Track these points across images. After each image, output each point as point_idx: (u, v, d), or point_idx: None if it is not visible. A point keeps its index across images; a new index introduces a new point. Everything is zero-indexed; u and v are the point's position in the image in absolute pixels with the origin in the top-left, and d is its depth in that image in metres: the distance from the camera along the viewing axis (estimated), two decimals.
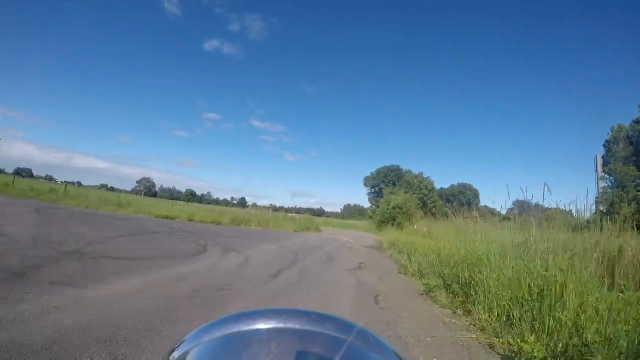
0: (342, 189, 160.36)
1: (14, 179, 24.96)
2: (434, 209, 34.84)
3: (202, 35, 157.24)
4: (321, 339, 0.44)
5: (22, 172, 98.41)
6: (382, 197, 39.86)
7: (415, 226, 19.43)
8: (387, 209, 29.71)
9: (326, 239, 17.82)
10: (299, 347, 0.42)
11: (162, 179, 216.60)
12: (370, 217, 44.99)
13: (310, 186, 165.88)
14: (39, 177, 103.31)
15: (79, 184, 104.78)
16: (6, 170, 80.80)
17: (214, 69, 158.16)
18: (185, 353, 0.44)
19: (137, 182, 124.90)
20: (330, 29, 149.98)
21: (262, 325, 0.44)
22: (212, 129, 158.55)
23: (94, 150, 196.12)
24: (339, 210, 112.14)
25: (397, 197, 31.25)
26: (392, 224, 27.30)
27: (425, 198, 46.31)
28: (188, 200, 76.55)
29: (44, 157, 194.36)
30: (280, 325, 0.45)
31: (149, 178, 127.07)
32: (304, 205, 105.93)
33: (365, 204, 72.93)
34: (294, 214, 35.83)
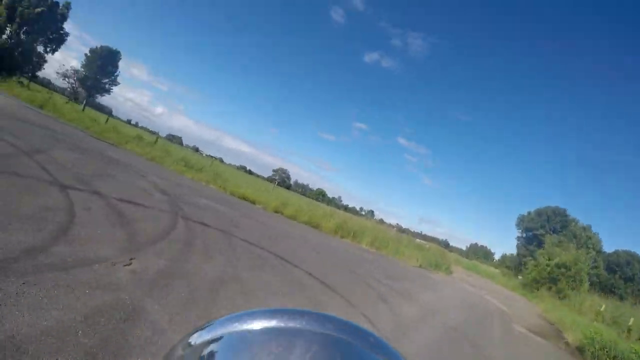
0: (472, 225, 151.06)
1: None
2: (596, 278, 27.64)
3: (364, 47, 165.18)
4: (321, 339, 0.46)
5: (173, 139, 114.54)
6: (540, 246, 33.00)
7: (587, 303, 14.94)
8: (548, 265, 24.22)
9: (473, 302, 13.47)
10: (299, 347, 0.44)
11: (299, 174, 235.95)
12: (507, 267, 38.54)
13: (439, 215, 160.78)
14: (187, 146, 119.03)
15: (221, 160, 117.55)
16: (160, 134, 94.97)
17: (370, 81, 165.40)
18: (193, 349, 0.46)
19: (274, 171, 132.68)
20: (494, 57, 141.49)
21: (262, 325, 0.46)
22: (358, 138, 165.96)
23: (243, 134, 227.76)
24: (464, 248, 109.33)
25: (565, 252, 25.24)
26: (550, 289, 22.13)
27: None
28: (315, 199, 79.27)
29: (198, 131, 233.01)
30: (281, 325, 0.46)
31: (286, 170, 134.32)
32: (429, 233, 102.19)
33: (493, 247, 64.42)
34: (421, 241, 32.30)
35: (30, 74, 41.45)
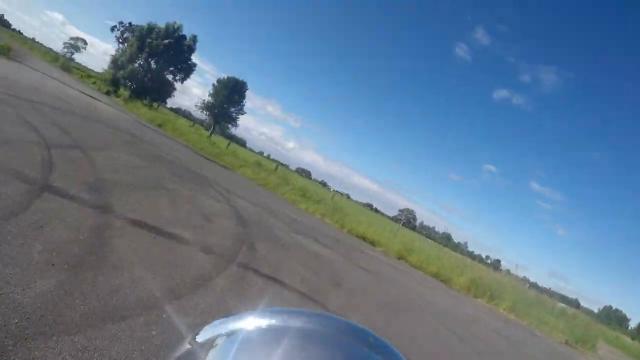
0: (607, 285, 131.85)
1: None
2: None
3: (492, 83, 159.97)
4: (321, 339, 0.47)
5: (302, 172, 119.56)
6: None
7: None
8: None
9: None
10: (299, 347, 0.45)
11: (425, 216, 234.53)
12: None
13: (570, 270, 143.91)
14: (316, 181, 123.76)
15: (348, 196, 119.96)
16: (290, 167, 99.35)
17: (500, 119, 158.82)
18: (211, 341, 0.48)
19: (400, 210, 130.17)
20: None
21: (262, 324, 0.48)
22: (487, 181, 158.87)
23: (370, 171, 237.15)
24: (596, 310, 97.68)
25: None
26: None
27: None
28: (441, 243, 76.27)
29: (326, 167, 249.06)
30: (281, 324, 0.48)
31: (412, 210, 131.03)
32: (558, 290, 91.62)
33: (631, 312, 54.44)
34: (562, 305, 26.90)
35: (160, 100, 45.07)
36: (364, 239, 15.73)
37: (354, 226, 16.41)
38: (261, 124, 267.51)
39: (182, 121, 48.41)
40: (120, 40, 43.70)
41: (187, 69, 44.63)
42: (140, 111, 25.67)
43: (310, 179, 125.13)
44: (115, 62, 41.00)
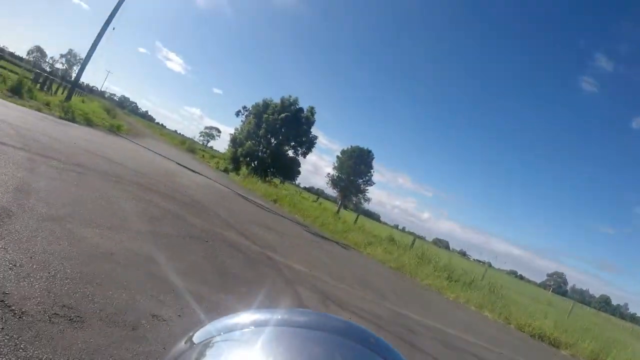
0: None
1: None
2: None
3: (627, 111, 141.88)
4: (322, 339, 0.48)
5: (439, 243, 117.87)
6: None
7: None
8: None
9: None
10: (299, 347, 0.47)
11: (577, 278, 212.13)
12: None
13: None
14: (454, 250, 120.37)
15: (490, 264, 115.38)
16: (426, 239, 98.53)
17: None
18: (209, 341, 0.49)
19: (548, 275, 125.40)
20: None
21: (262, 324, 0.48)
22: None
23: (512, 236, 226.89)
24: None
25: None
26: None
27: None
28: (599, 309, 65.30)
29: (464, 235, 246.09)
30: (281, 325, 0.48)
31: (562, 274, 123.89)
32: None
33: None
34: None
35: (286, 177, 45.84)
36: (540, 338, 11.90)
37: (524, 320, 12.59)
38: (394, 196, 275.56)
39: (305, 195, 48.38)
40: (243, 122, 45.94)
41: (308, 143, 44.53)
42: (255, 186, 25.36)
43: (449, 249, 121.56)
44: (234, 141, 42.94)
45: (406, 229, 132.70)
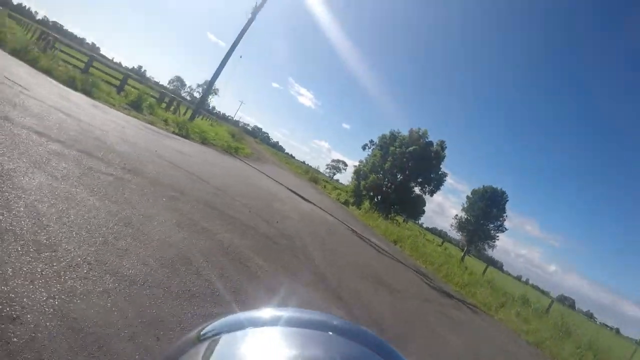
0: None
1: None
2: None
3: None
4: (322, 339, 0.50)
5: (564, 300, 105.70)
6: None
7: None
8: None
9: None
10: (299, 347, 0.49)
11: None
12: None
13: None
14: (580, 311, 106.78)
15: (617, 330, 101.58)
16: (550, 294, 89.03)
17: None
18: (216, 339, 0.51)
19: None
20: None
21: (263, 324, 0.51)
22: None
23: None
24: None
25: None
26: None
27: None
28: None
29: (593, 293, 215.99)
30: (281, 324, 0.51)
31: None
32: None
33: None
34: None
35: (409, 216, 43.68)
36: None
37: None
38: (519, 244, 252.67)
39: (429, 237, 44.75)
40: (369, 154, 44.63)
41: (436, 180, 41.68)
42: (375, 222, 23.86)
43: (574, 309, 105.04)
44: (358, 173, 42.10)
45: (530, 282, 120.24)
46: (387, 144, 41.36)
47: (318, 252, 8.11)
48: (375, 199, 39.24)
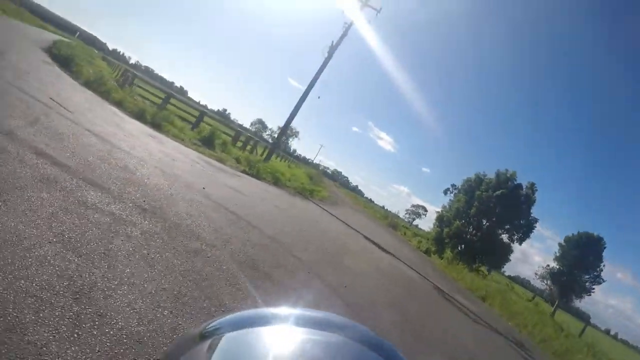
0: None
1: None
2: None
3: None
4: (322, 339, 0.50)
5: None
6: None
7: None
8: None
9: None
10: (299, 347, 0.49)
11: None
12: None
13: None
14: None
15: None
16: None
17: None
18: (218, 338, 0.51)
19: None
20: None
21: (262, 324, 0.51)
22: None
23: None
24: None
25: None
26: None
27: None
28: None
29: None
30: (281, 324, 0.51)
31: None
32: None
33: None
34: None
35: (493, 266, 40.33)
36: None
37: None
38: (610, 294, 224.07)
39: (519, 291, 40.71)
40: (450, 200, 42.32)
41: (526, 227, 38.10)
42: (459, 275, 22.39)
43: None
44: (440, 219, 39.98)
45: (619, 336, 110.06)
46: (472, 188, 39.08)
47: (397, 329, 6.24)
48: (459, 248, 36.93)
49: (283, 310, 0.52)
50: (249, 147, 22.69)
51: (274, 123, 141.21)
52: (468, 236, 37.59)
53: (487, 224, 37.98)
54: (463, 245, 37.26)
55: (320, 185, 30.06)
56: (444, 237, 37.41)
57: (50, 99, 7.89)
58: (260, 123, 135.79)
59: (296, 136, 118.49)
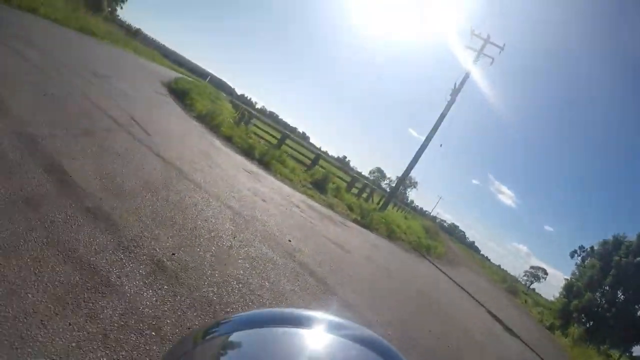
0: None
1: None
2: None
3: None
4: (322, 339, 0.50)
5: None
6: None
7: None
8: None
9: None
10: (299, 347, 0.50)
11: None
12: None
13: None
14: None
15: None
16: None
17: None
18: (223, 338, 0.51)
19: None
20: None
21: (262, 325, 0.51)
22: None
23: None
24: None
25: None
26: None
27: None
28: None
29: None
30: (281, 325, 0.51)
31: None
32: None
33: None
34: None
35: (626, 349, 33.00)
36: None
37: None
38: None
39: None
40: (581, 267, 36.60)
41: None
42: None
43: None
44: (568, 289, 34.48)
45: None
46: (608, 253, 33.03)
47: None
48: (587, 325, 31.24)
49: (284, 311, 0.53)
50: (364, 195, 21.12)
51: (393, 173, 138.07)
52: (598, 309, 31.58)
53: (623, 296, 31.68)
54: (591, 322, 31.46)
55: (437, 239, 27.78)
56: (571, 311, 31.91)
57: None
58: (379, 172, 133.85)
59: (414, 187, 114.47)
